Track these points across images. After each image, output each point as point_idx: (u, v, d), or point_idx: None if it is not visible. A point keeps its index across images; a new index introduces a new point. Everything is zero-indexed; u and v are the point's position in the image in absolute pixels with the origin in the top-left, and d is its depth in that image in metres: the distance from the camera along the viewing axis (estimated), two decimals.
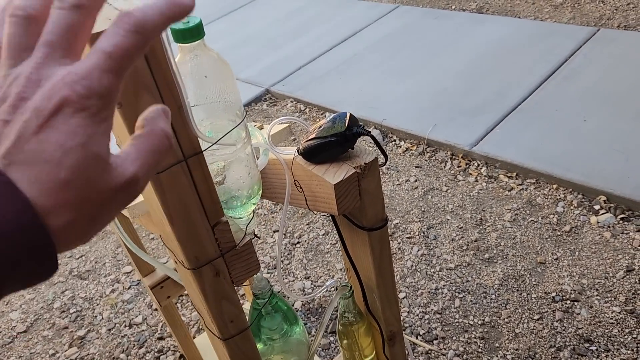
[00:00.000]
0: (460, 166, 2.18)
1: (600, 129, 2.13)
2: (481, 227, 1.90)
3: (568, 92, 2.38)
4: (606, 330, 1.51)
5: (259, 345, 0.85)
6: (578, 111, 2.25)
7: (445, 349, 1.55)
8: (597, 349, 1.47)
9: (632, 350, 1.45)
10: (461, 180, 2.12)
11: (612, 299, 1.58)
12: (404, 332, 1.61)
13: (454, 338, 1.58)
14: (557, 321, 1.56)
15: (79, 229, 0.29)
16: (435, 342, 1.58)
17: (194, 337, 1.63)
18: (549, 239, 1.80)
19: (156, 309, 1.86)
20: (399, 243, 1.90)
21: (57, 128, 0.27)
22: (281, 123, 0.85)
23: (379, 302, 0.91)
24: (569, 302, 1.60)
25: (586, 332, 1.52)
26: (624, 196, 1.83)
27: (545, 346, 1.50)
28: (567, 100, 2.33)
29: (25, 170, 0.27)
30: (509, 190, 2.02)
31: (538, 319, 1.57)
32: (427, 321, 1.64)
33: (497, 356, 1.51)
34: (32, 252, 0.26)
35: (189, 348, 1.54)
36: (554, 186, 1.97)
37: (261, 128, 1.03)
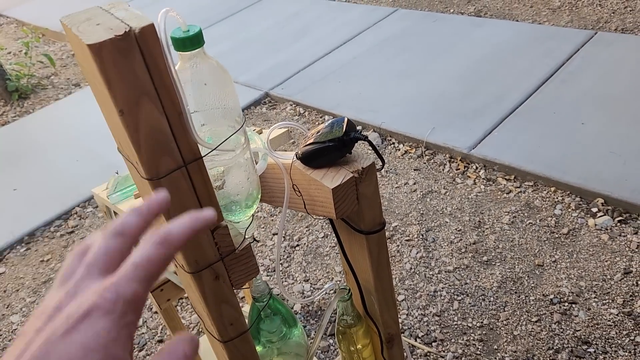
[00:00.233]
0: (459, 169, 2.19)
1: (597, 132, 2.14)
2: (479, 230, 1.91)
3: (566, 96, 2.39)
4: (604, 333, 1.52)
5: (259, 348, 0.86)
6: (576, 114, 2.26)
7: (444, 351, 1.56)
8: (594, 351, 1.48)
9: (630, 352, 1.46)
10: (459, 183, 2.13)
11: (610, 301, 1.59)
12: (402, 334, 1.62)
13: (453, 340, 1.59)
14: (555, 323, 1.57)
15: None
16: (434, 344, 1.59)
17: None
18: (547, 242, 1.81)
19: (156, 312, 1.87)
20: (398, 246, 1.91)
21: (84, 331, 0.29)
22: (280, 128, 0.86)
23: (377, 304, 0.92)
24: (567, 304, 1.61)
25: (584, 334, 1.52)
26: (622, 199, 1.84)
27: (543, 348, 1.51)
28: (565, 103, 2.34)
29: None
30: (507, 193, 2.03)
31: (536, 321, 1.58)
32: (425, 323, 1.65)
33: (495, 358, 1.52)
34: None
35: None
36: (552, 189, 1.98)
37: (260, 132, 1.04)
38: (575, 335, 1.53)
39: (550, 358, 1.49)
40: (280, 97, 2.92)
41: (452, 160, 2.24)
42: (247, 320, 0.76)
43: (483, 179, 2.11)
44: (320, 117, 2.70)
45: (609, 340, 1.50)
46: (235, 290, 0.72)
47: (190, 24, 0.58)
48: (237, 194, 0.66)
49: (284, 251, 1.98)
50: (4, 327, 1.93)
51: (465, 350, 1.55)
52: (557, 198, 1.95)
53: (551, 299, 1.63)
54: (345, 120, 0.79)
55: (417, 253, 1.87)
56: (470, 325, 1.62)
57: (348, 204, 0.77)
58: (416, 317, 1.67)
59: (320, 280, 1.86)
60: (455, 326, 1.62)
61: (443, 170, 2.21)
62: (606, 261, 1.70)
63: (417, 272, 1.81)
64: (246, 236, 0.69)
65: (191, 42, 0.57)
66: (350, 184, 0.76)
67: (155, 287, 1.43)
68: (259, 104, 2.94)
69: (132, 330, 0.31)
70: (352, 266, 0.88)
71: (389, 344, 0.99)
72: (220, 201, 0.68)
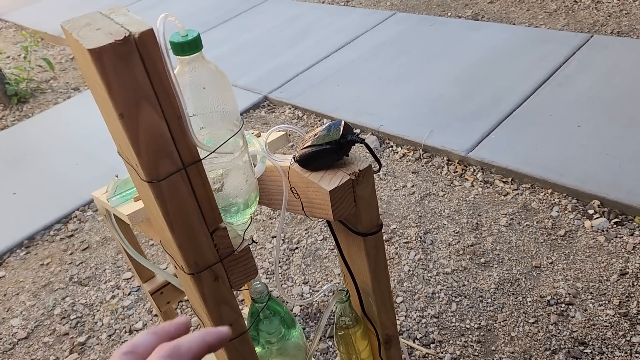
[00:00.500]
0: (457, 171, 2.20)
1: (594, 134, 2.15)
2: (477, 232, 1.92)
3: (562, 98, 2.40)
4: (600, 333, 1.53)
5: (258, 349, 0.86)
6: (572, 117, 2.28)
7: (442, 353, 1.57)
8: (591, 352, 1.49)
9: (626, 352, 1.47)
10: (457, 185, 2.14)
11: (606, 302, 1.60)
12: (401, 336, 1.63)
13: (451, 342, 1.59)
14: (552, 324, 1.58)
15: None
16: (432, 345, 1.59)
17: None
18: (544, 243, 1.82)
19: (156, 315, 1.87)
20: (396, 248, 1.92)
21: None
22: (278, 131, 0.87)
23: (375, 306, 0.93)
24: (563, 305, 1.62)
25: (581, 335, 1.53)
26: (618, 201, 1.85)
27: (540, 349, 1.52)
28: (562, 106, 2.36)
29: None
30: (504, 195, 2.04)
31: (533, 323, 1.59)
32: (424, 325, 1.65)
33: (493, 359, 1.52)
34: None
35: None
36: (549, 191, 2.00)
37: (258, 136, 1.05)
38: (572, 336, 1.53)
39: (548, 359, 1.49)
40: (279, 101, 2.93)
41: (450, 162, 2.25)
42: (246, 322, 0.77)
43: (480, 181, 2.12)
44: (319, 121, 2.71)
45: (606, 341, 1.50)
46: (235, 293, 0.73)
47: (188, 27, 0.59)
48: (236, 196, 0.67)
49: (283, 254, 1.99)
50: (4, 331, 1.94)
51: (463, 352, 1.56)
52: (554, 200, 1.96)
53: (548, 300, 1.64)
54: (342, 123, 0.80)
55: (416, 255, 1.88)
56: (468, 326, 1.62)
57: (345, 206, 0.78)
58: (414, 319, 1.67)
59: (319, 282, 1.87)
60: (453, 328, 1.63)
61: (441, 172, 2.22)
62: (602, 262, 1.71)
63: (416, 274, 1.81)
64: (245, 238, 0.70)
65: (190, 46, 0.58)
66: (347, 186, 0.77)
67: (155, 290, 1.44)
68: (258, 108, 2.95)
69: None
70: (350, 268, 0.89)
71: (386, 345, 1.00)
72: (219, 203, 0.69)
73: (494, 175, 2.13)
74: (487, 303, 1.68)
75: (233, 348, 0.74)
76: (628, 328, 1.52)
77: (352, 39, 3.36)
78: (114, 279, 2.06)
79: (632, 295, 1.60)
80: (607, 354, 1.47)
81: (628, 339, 1.49)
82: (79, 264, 2.17)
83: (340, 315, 0.96)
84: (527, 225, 1.90)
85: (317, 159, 0.79)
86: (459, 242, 1.90)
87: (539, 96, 2.46)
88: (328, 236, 2.04)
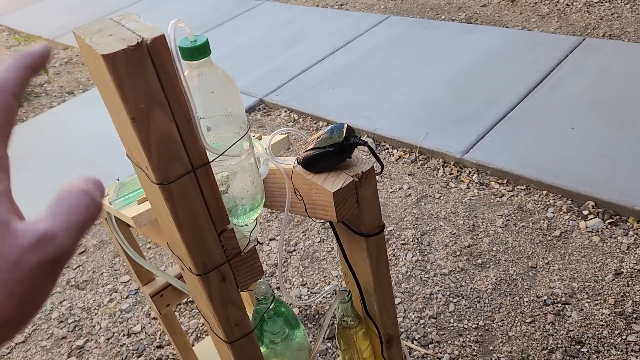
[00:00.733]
0: (452, 173, 2.22)
1: (587, 136, 2.18)
2: (474, 233, 1.93)
3: (556, 100, 2.43)
4: (596, 332, 1.55)
5: (262, 349, 0.87)
6: (566, 119, 2.30)
7: (440, 353, 1.58)
8: (587, 351, 1.51)
9: (622, 351, 1.49)
10: (453, 187, 2.16)
11: (602, 301, 1.62)
12: (399, 336, 1.64)
13: (449, 342, 1.61)
14: (549, 324, 1.59)
15: (2, 310, 0.25)
16: (430, 346, 1.61)
17: (193, 345, 1.65)
18: (539, 244, 1.84)
19: (154, 318, 1.88)
20: (394, 249, 1.94)
21: None
22: (280, 134, 0.89)
23: (377, 305, 0.94)
24: (560, 305, 1.64)
25: (577, 334, 1.55)
26: (612, 201, 1.87)
27: (537, 348, 1.54)
28: (555, 108, 2.38)
29: None
30: (500, 197, 2.06)
31: (530, 322, 1.61)
32: (422, 326, 1.67)
33: (491, 359, 1.54)
34: None
35: (188, 356, 1.55)
36: (544, 192, 2.02)
37: (260, 139, 1.06)
38: (569, 335, 1.55)
39: (545, 358, 1.51)
40: (275, 104, 2.94)
41: (446, 164, 2.27)
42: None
43: (476, 183, 2.14)
44: (315, 124, 2.72)
45: (602, 340, 1.52)
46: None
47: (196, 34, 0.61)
48: (242, 198, 0.69)
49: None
50: None
51: (462, 352, 1.57)
52: (548, 201, 1.98)
53: (545, 300, 1.66)
54: (345, 126, 0.81)
55: (413, 256, 1.89)
56: (466, 326, 1.64)
57: (348, 207, 0.80)
58: (413, 320, 1.69)
59: (317, 284, 1.88)
60: (452, 328, 1.65)
61: (437, 174, 2.24)
62: (598, 262, 1.74)
63: (413, 275, 1.83)
64: (251, 239, 0.71)
65: (198, 51, 0.59)
66: (350, 187, 0.78)
67: (155, 292, 1.44)
68: (254, 111, 2.96)
69: (4, 188, 0.28)
70: (352, 268, 0.90)
71: (388, 344, 1.01)
72: (225, 205, 0.70)
73: (490, 177, 2.15)
74: (485, 303, 1.69)
75: (239, 348, 0.75)
76: (623, 327, 1.54)
77: (346, 42, 3.38)
78: (112, 283, 2.06)
79: (627, 294, 1.62)
80: (603, 353, 1.49)
81: (624, 337, 1.51)
82: (75, 268, 2.17)
83: (342, 315, 0.97)
84: (522, 226, 1.92)
85: (321, 161, 0.80)
86: (455, 243, 1.91)
87: (532, 99, 2.49)
88: (325, 238, 2.05)
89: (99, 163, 2.76)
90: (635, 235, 1.79)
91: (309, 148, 0.82)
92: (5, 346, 1.89)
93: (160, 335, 1.82)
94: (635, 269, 1.69)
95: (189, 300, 1.90)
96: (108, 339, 1.84)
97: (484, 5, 3.50)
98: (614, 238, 1.80)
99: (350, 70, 3.07)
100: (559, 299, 1.65)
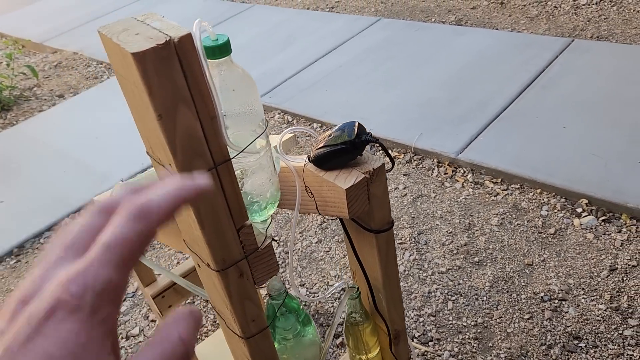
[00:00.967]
0: (447, 173, 2.24)
1: (579, 135, 2.22)
2: (470, 232, 1.96)
3: (547, 101, 2.47)
4: (593, 328, 1.57)
5: (274, 345, 0.88)
6: (557, 119, 2.34)
7: (440, 350, 1.60)
8: (585, 346, 1.53)
9: (619, 345, 1.51)
10: (448, 186, 2.18)
11: (598, 297, 1.65)
12: None
13: (449, 339, 1.63)
14: (546, 320, 1.62)
15: None
16: (430, 343, 1.62)
17: None
18: (535, 242, 1.87)
19: (153, 320, 1.87)
20: None
21: (48, 335, 0.24)
22: (289, 133, 0.90)
23: (385, 301, 0.96)
24: (557, 301, 1.66)
25: (574, 329, 1.58)
26: (605, 199, 1.91)
27: (536, 344, 1.56)
28: (547, 108, 2.42)
29: None
30: (494, 196, 2.09)
31: (528, 319, 1.63)
32: (421, 324, 1.68)
33: (490, 355, 1.56)
34: None
35: None
36: (538, 191, 2.05)
37: None
38: (567, 330, 1.58)
39: (544, 353, 1.53)
40: (268, 106, 2.95)
41: (440, 164, 2.29)
42: None
43: (471, 182, 2.17)
44: (309, 125, 2.74)
45: (599, 335, 1.55)
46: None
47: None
48: (259, 195, 0.70)
49: (279, 257, 2.01)
50: None
51: (462, 349, 1.59)
52: (543, 199, 2.01)
53: (542, 297, 1.68)
54: (356, 124, 0.83)
55: (410, 255, 1.91)
56: (465, 324, 1.66)
57: (360, 203, 0.81)
58: (412, 318, 1.70)
59: (315, 284, 1.89)
60: (451, 325, 1.66)
61: (432, 174, 2.26)
62: (592, 259, 1.77)
63: (411, 274, 1.85)
64: (266, 235, 0.72)
65: (220, 50, 0.60)
66: (362, 184, 0.80)
67: (157, 294, 1.45)
68: None
69: (111, 326, 0.26)
70: (362, 264, 0.91)
71: (395, 340, 1.03)
72: None
73: (484, 176, 2.18)
74: (483, 301, 1.71)
75: (255, 343, 0.76)
76: (620, 322, 1.57)
77: (338, 45, 3.40)
78: None
79: (622, 290, 1.65)
80: (600, 347, 1.52)
81: (620, 332, 1.54)
82: None
83: (350, 312, 0.98)
84: (518, 224, 1.95)
85: (332, 158, 0.81)
86: (452, 242, 1.93)
87: (524, 99, 2.52)
88: (323, 239, 2.06)
89: (93, 167, 2.74)
90: (628, 232, 1.82)
91: (320, 146, 0.83)
92: None
93: None
94: (629, 265, 1.72)
95: (187, 302, 1.90)
96: None
97: (473, 8, 3.55)
98: (608, 235, 1.83)
99: (343, 72, 3.09)
100: (555, 296, 1.68)
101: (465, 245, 1.91)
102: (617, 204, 1.89)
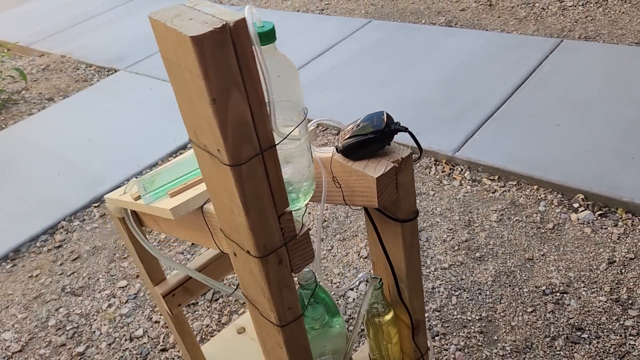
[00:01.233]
0: (445, 171, 2.27)
1: (572, 132, 2.26)
2: (470, 228, 1.98)
3: (540, 99, 2.51)
4: (595, 319, 1.60)
5: None
6: (551, 117, 2.38)
7: (447, 345, 1.62)
8: (588, 337, 1.56)
9: (620, 335, 1.55)
10: (446, 184, 2.21)
11: (598, 289, 1.68)
12: None
13: (454, 333, 1.64)
14: (549, 312, 1.65)
15: None
16: (437, 338, 1.64)
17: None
18: (534, 237, 1.90)
19: (157, 321, 1.86)
20: None
21: None
22: (313, 124, 0.91)
23: (407, 291, 0.97)
24: (558, 294, 1.70)
25: (577, 321, 1.61)
26: (601, 194, 1.95)
27: (540, 336, 1.59)
28: (540, 106, 2.46)
29: None
30: (492, 193, 2.12)
31: (532, 312, 1.66)
32: (427, 319, 1.70)
33: (496, 348, 1.58)
34: None
35: (197, 357, 1.55)
36: (535, 187, 2.08)
37: None
38: (569, 322, 1.61)
39: (548, 345, 1.56)
40: None
41: (438, 163, 2.32)
42: None
43: (469, 180, 2.20)
44: None
45: (601, 326, 1.58)
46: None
47: None
48: (298, 182, 0.70)
49: None
50: None
51: (467, 343, 1.61)
52: (540, 195, 2.05)
53: (543, 290, 1.71)
54: (385, 113, 0.84)
55: None
56: (469, 318, 1.68)
57: (389, 192, 0.82)
58: None
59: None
60: (456, 320, 1.68)
61: (429, 173, 2.28)
62: (591, 252, 1.80)
63: None
64: (303, 222, 0.73)
65: (266, 36, 0.61)
66: (391, 173, 0.81)
67: (167, 292, 1.44)
68: None
69: None
70: (387, 254, 0.92)
71: (415, 329, 1.04)
72: None
73: (481, 173, 2.21)
74: (486, 295, 1.74)
75: (290, 331, 0.76)
76: (620, 313, 1.60)
77: (331, 46, 3.42)
78: (109, 288, 2.04)
79: (621, 281, 1.69)
80: (603, 338, 1.55)
81: (621, 322, 1.58)
82: (70, 275, 2.14)
83: (372, 302, 0.99)
84: (516, 220, 1.98)
85: (362, 148, 0.82)
86: (453, 238, 1.96)
87: (517, 98, 2.56)
88: (324, 237, 2.07)
89: (86, 169, 2.72)
90: (624, 226, 1.86)
91: (348, 136, 0.84)
92: (2, 356, 1.84)
93: (163, 338, 1.80)
94: (627, 257, 1.76)
95: (192, 302, 1.89)
96: (110, 345, 1.82)
97: (462, 10, 3.60)
98: (605, 229, 1.87)
99: (336, 73, 3.11)
100: (557, 289, 1.71)
101: (466, 241, 1.93)
102: (612, 199, 1.93)
